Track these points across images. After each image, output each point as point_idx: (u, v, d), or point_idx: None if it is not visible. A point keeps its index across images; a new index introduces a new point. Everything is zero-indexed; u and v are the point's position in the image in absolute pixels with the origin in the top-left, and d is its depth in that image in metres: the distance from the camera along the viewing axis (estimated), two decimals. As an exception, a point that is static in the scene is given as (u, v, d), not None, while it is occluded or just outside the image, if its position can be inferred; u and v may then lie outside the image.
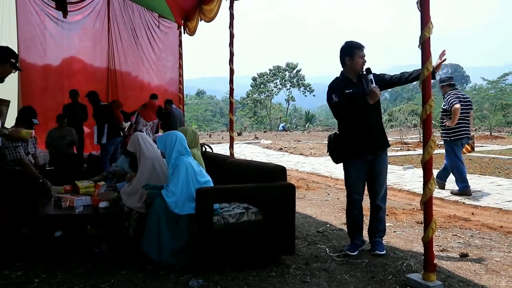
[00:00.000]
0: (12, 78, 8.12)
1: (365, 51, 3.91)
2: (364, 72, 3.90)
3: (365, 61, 3.89)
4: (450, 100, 6.59)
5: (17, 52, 8.16)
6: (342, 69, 4.00)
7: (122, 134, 8.56)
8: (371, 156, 3.95)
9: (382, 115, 4.35)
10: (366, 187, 4.10)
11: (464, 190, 6.66)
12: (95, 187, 4.56)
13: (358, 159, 3.97)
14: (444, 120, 6.72)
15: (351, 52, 3.88)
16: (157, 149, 4.10)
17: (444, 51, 3.70)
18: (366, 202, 4.14)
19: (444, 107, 6.74)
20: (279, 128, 40.73)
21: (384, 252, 3.95)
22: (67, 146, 7.44)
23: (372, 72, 3.86)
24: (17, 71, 3.90)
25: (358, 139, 3.92)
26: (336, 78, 4.05)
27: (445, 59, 3.66)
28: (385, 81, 3.95)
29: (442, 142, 7.03)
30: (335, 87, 3.96)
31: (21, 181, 4.55)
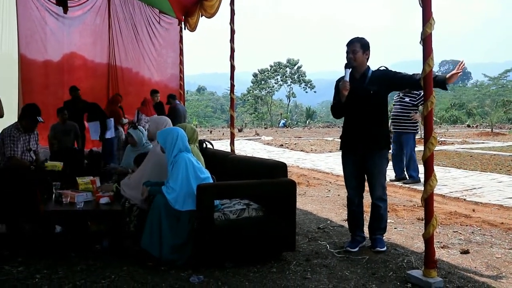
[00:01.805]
0: (13, 75, 8.13)
1: (355, 45, 3.83)
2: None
3: (353, 56, 3.83)
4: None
5: (17, 48, 8.23)
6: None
7: (122, 129, 8.59)
8: (361, 155, 3.93)
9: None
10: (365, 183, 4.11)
11: (418, 179, 7.37)
12: (91, 183, 4.57)
13: (349, 155, 4.03)
14: (411, 114, 7.34)
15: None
16: None
17: (462, 62, 3.52)
18: (367, 199, 4.14)
19: (415, 102, 7.35)
20: (280, 125, 40.76)
21: (385, 249, 3.94)
22: (71, 142, 7.44)
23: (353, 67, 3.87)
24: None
25: (345, 135, 4.04)
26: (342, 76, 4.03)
27: (460, 72, 3.47)
28: (394, 79, 3.82)
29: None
30: (336, 84, 4.02)
31: (23, 176, 4.55)
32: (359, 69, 3.89)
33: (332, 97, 4.11)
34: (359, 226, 4.12)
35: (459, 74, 3.46)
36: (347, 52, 3.87)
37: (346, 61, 3.87)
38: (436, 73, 3.50)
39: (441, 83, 3.44)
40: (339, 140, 4.20)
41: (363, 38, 3.90)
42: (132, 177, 4.15)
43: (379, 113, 3.92)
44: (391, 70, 3.91)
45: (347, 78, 3.78)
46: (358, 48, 3.83)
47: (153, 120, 4.47)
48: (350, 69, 3.83)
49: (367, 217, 4.18)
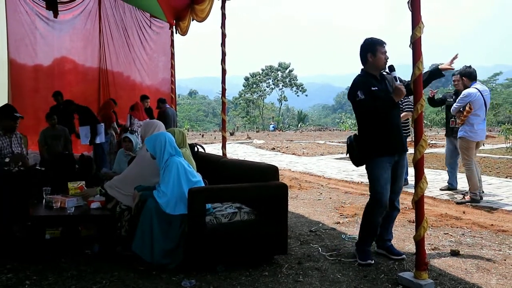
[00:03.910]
0: (2, 79, 8.07)
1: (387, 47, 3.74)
2: (387, 70, 3.75)
3: (388, 57, 3.73)
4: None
5: (7, 52, 8.18)
6: (362, 66, 3.83)
7: (114, 133, 8.56)
8: (397, 157, 3.81)
9: None
10: None
11: (407, 181, 7.17)
12: (79, 189, 4.54)
13: (387, 160, 3.72)
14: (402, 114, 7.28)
15: (373, 49, 3.71)
16: None
17: (457, 55, 3.63)
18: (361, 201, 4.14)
19: (401, 105, 7.13)
20: (270, 128, 40.87)
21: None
22: (63, 146, 7.39)
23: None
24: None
25: (389, 138, 3.71)
26: (360, 76, 3.84)
27: (453, 64, 3.58)
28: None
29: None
30: (360, 84, 3.73)
31: (12, 181, 4.51)
32: (380, 70, 3.80)
33: (359, 99, 3.66)
34: (376, 236, 3.95)
35: (451, 64, 3.59)
36: (385, 53, 3.72)
37: (380, 62, 3.72)
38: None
39: (436, 72, 3.49)
40: (374, 144, 3.74)
41: None
42: (117, 177, 4.16)
43: (400, 115, 3.97)
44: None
45: (399, 81, 3.62)
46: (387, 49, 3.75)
47: (143, 124, 4.47)
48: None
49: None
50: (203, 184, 3.82)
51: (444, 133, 7.14)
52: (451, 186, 7.02)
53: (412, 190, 3.39)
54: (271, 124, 43.65)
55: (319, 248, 4.17)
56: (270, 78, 55.74)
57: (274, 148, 17.46)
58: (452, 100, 6.58)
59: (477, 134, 6.02)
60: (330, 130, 36.23)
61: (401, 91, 3.54)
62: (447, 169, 7.17)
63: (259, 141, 22.28)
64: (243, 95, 56.12)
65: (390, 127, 3.71)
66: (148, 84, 10.13)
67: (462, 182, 7.81)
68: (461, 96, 6.03)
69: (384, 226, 3.96)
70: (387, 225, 3.96)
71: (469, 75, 6.17)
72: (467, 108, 5.91)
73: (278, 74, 55.79)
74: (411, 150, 3.46)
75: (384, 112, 3.65)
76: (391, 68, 3.70)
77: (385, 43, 3.75)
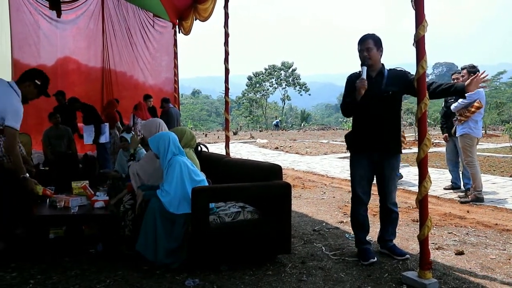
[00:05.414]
0: (6, 79, 8.08)
1: (369, 42, 3.63)
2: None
3: (367, 54, 3.63)
4: None
5: (11, 52, 8.18)
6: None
7: (118, 132, 8.58)
8: (378, 156, 3.76)
9: None
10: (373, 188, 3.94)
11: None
12: (83, 188, 4.56)
13: (363, 157, 3.80)
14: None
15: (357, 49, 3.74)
16: None
17: (484, 72, 3.52)
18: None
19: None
20: (273, 123, 40.83)
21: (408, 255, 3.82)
22: (66, 146, 7.42)
23: (392, 68, 3.71)
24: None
25: (358, 136, 3.80)
26: (355, 72, 3.84)
27: (485, 77, 3.46)
28: (410, 83, 3.52)
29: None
30: (350, 80, 3.81)
31: (15, 180, 4.51)
32: (374, 67, 3.70)
33: (342, 95, 3.88)
34: (367, 231, 3.96)
35: (479, 83, 3.44)
36: (361, 50, 3.65)
37: (360, 60, 3.68)
38: (452, 82, 3.49)
39: (460, 90, 3.42)
40: (347, 139, 3.98)
41: (375, 34, 3.69)
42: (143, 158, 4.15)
43: (396, 115, 3.79)
44: (410, 73, 3.70)
45: (365, 76, 3.58)
46: (372, 45, 3.64)
47: (145, 124, 4.41)
48: (366, 67, 3.63)
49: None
50: (206, 184, 3.82)
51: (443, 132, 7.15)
52: (455, 185, 7.01)
53: (416, 189, 3.39)
54: (275, 120, 43.65)
55: (323, 248, 4.16)
56: (273, 78, 55.77)
57: (277, 148, 17.45)
58: (452, 100, 6.55)
59: (479, 130, 6.14)
60: (333, 129, 36.21)
61: (358, 87, 3.58)
62: (449, 168, 7.21)
63: (263, 140, 22.28)
64: (246, 94, 56.17)
65: (365, 125, 3.73)
66: (151, 84, 10.15)
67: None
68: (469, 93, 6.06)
69: (383, 227, 3.99)
70: (387, 227, 3.97)
71: (475, 73, 6.19)
72: (476, 104, 5.98)
73: (281, 74, 55.82)
74: (415, 149, 3.45)
75: (351, 109, 3.76)
76: (362, 63, 3.66)
77: (363, 39, 3.67)
